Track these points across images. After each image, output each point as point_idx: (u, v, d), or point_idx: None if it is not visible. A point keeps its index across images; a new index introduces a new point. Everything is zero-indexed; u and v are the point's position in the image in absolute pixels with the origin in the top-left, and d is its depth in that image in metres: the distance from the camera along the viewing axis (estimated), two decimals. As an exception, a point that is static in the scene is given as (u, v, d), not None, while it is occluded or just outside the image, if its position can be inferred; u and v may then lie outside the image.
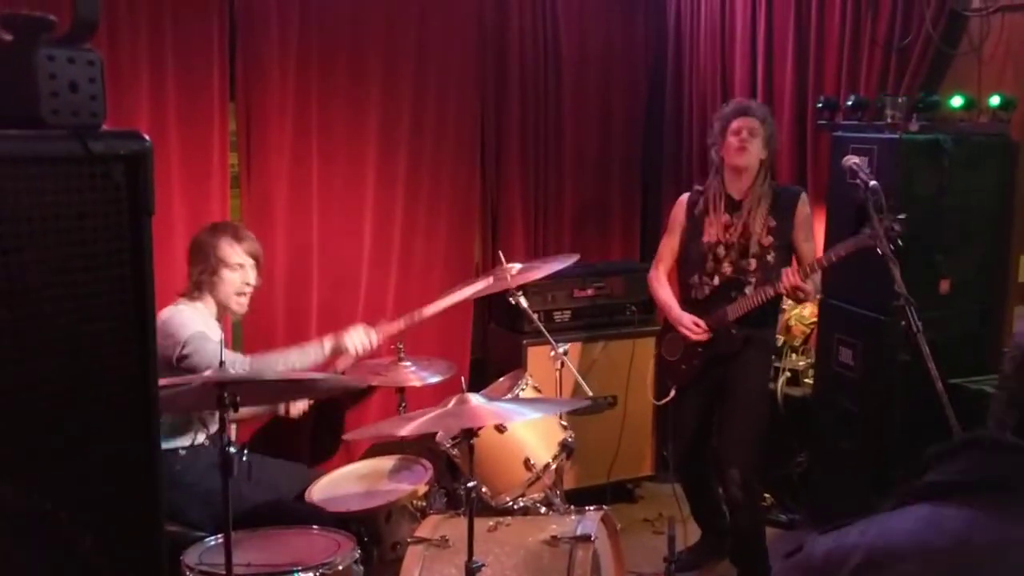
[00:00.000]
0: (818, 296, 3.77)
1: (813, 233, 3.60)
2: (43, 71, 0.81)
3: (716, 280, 3.52)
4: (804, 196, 3.57)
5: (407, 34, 4.21)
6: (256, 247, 3.21)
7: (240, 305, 3.20)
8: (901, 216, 3.04)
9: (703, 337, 3.50)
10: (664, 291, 3.72)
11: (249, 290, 3.19)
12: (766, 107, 3.66)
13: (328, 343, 3.21)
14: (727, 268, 3.50)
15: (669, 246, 3.72)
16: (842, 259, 3.24)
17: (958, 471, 1.13)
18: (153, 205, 1.00)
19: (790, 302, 4.24)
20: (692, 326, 3.51)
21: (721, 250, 3.50)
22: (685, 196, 3.70)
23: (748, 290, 3.45)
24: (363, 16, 4.07)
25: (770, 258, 3.46)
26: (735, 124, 3.46)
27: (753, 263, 3.46)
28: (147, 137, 0.98)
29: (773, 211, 3.47)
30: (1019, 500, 1.08)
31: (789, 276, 3.30)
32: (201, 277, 3.10)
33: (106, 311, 0.99)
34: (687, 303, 3.61)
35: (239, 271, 3.13)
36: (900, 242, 3.01)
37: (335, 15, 3.98)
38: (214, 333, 3.09)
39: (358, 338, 3.24)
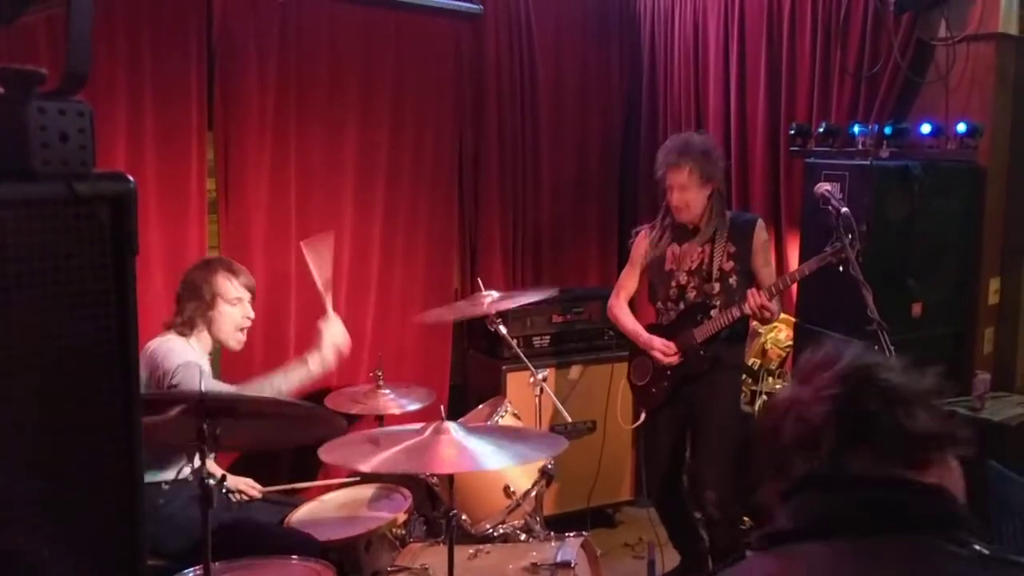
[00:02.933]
0: (779, 315, 3.80)
1: (771, 259, 3.66)
2: (34, 123, 0.83)
3: (682, 305, 3.57)
4: (760, 223, 3.61)
5: (384, 63, 4.25)
6: (251, 280, 3.19)
7: (239, 342, 3.18)
8: (861, 228, 3.09)
9: (674, 360, 3.54)
10: (627, 317, 3.76)
11: (248, 324, 3.18)
12: (702, 141, 3.59)
13: (313, 362, 3.17)
14: (691, 293, 3.56)
15: (630, 276, 3.78)
16: (805, 277, 3.32)
17: (802, 515, 1.12)
18: (137, 245, 1.01)
19: (765, 327, 4.30)
20: (663, 349, 3.55)
21: (683, 277, 3.56)
22: (645, 228, 3.77)
23: (713, 312, 3.50)
24: (341, 45, 4.10)
25: (732, 281, 3.51)
26: (669, 178, 3.49)
27: (716, 287, 3.51)
28: (131, 178, 1.00)
29: (731, 238, 3.52)
30: (875, 543, 1.07)
31: (755, 296, 3.32)
32: (195, 314, 3.05)
33: (90, 349, 1.00)
34: (655, 328, 3.65)
35: (238, 305, 3.11)
36: (860, 258, 3.05)
37: (313, 45, 4.01)
38: (203, 364, 3.08)
39: (338, 335, 3.22)
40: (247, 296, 3.15)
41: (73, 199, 0.93)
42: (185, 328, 3.08)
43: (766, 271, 3.57)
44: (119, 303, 1.01)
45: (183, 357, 2.94)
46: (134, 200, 1.01)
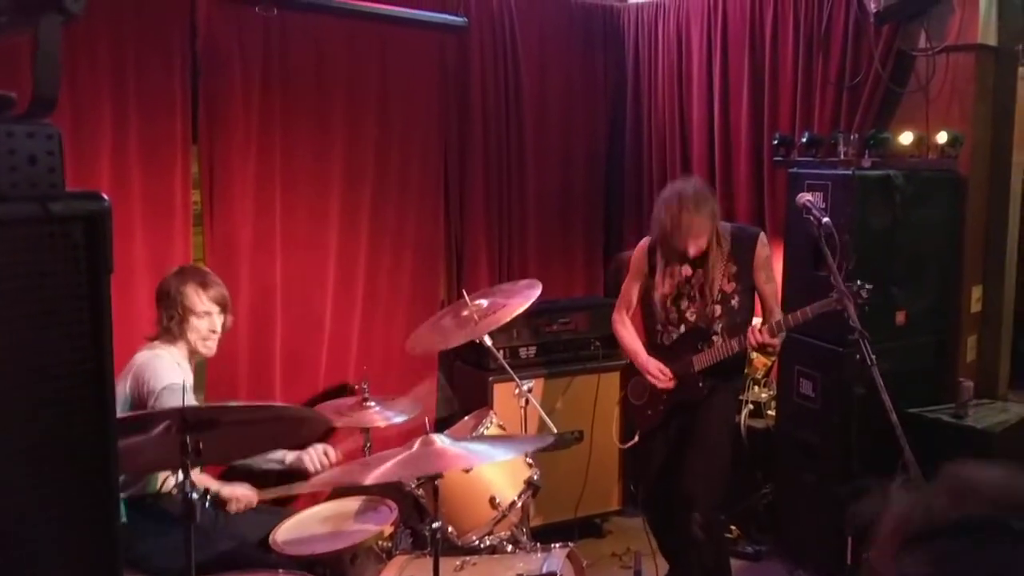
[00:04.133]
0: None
1: (774, 273, 3.57)
2: (2, 146, 0.84)
3: (682, 328, 3.50)
4: (763, 237, 3.51)
5: (370, 76, 4.25)
6: (223, 293, 3.21)
7: (208, 348, 3.21)
8: (869, 286, 3.04)
9: (669, 385, 3.51)
10: (628, 335, 3.71)
11: (215, 336, 3.20)
12: (695, 189, 3.40)
13: (289, 457, 3.26)
14: (691, 316, 3.48)
15: (631, 290, 3.70)
16: (808, 320, 3.23)
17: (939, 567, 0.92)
18: (112, 263, 1.02)
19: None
20: (658, 374, 3.51)
21: (684, 301, 3.49)
22: (646, 241, 3.67)
23: (715, 339, 3.44)
24: (326, 58, 4.10)
25: (734, 303, 3.44)
26: (681, 243, 3.34)
27: (718, 310, 3.45)
28: (106, 197, 1.00)
29: (732, 256, 3.44)
30: None
31: (756, 335, 3.27)
32: (170, 323, 3.11)
33: (65, 368, 1.00)
34: (653, 348, 3.61)
35: (206, 318, 3.14)
36: (867, 308, 3.04)
37: (298, 57, 4.01)
38: (186, 375, 3.10)
39: (317, 457, 3.29)
40: (216, 310, 3.17)
41: (47, 219, 0.93)
42: (167, 336, 3.13)
43: (769, 287, 3.49)
44: (94, 322, 1.01)
45: (168, 378, 2.97)
46: (109, 219, 1.01)
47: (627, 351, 3.70)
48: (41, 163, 0.87)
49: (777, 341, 3.33)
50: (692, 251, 3.38)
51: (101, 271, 1.01)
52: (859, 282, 3.04)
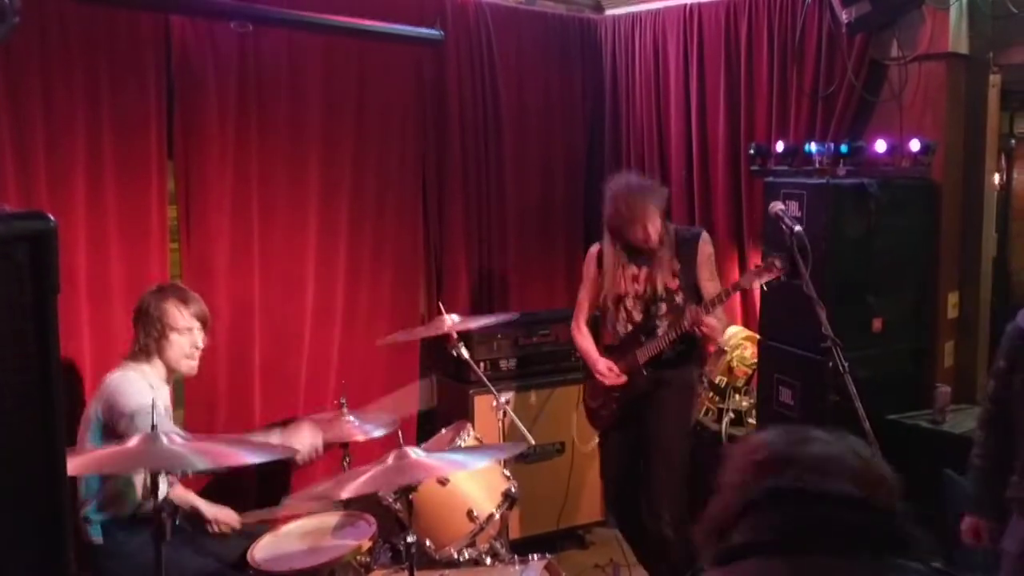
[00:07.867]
0: (723, 332, 3.87)
1: (715, 272, 3.72)
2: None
3: (629, 326, 3.64)
4: (705, 236, 3.69)
5: (347, 90, 4.26)
6: (203, 309, 3.19)
7: (190, 368, 3.17)
8: (779, 262, 3.21)
9: (618, 381, 3.62)
10: (583, 339, 3.85)
11: (198, 353, 3.17)
12: (639, 179, 3.69)
13: (275, 439, 3.20)
14: (638, 316, 3.63)
15: (585, 297, 3.86)
16: (743, 290, 3.47)
17: (753, 531, 1.15)
18: (58, 283, 1.02)
19: (731, 344, 4.33)
20: (605, 371, 3.65)
21: (630, 300, 3.63)
22: (595, 248, 3.80)
23: (659, 331, 3.57)
24: (302, 73, 4.10)
25: (679, 300, 3.58)
26: (635, 222, 3.52)
27: (663, 307, 3.58)
28: (52, 217, 1.00)
29: (676, 254, 3.60)
30: (816, 559, 1.10)
31: (691, 312, 3.42)
32: (148, 341, 3.06)
33: (11, 389, 1.00)
34: (606, 349, 3.73)
35: (187, 334, 3.11)
36: (782, 278, 3.16)
37: (274, 72, 4.01)
38: (161, 397, 3.05)
39: (306, 453, 3.24)
40: (197, 325, 3.14)
41: (-12, 240, 0.93)
42: (142, 356, 3.08)
43: (711, 285, 3.62)
44: (40, 342, 1.01)
45: (137, 401, 2.89)
46: (55, 239, 1.01)
47: (582, 353, 3.84)
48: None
49: (713, 321, 3.47)
50: (652, 234, 3.52)
51: (47, 291, 1.01)
52: (772, 256, 3.17)
